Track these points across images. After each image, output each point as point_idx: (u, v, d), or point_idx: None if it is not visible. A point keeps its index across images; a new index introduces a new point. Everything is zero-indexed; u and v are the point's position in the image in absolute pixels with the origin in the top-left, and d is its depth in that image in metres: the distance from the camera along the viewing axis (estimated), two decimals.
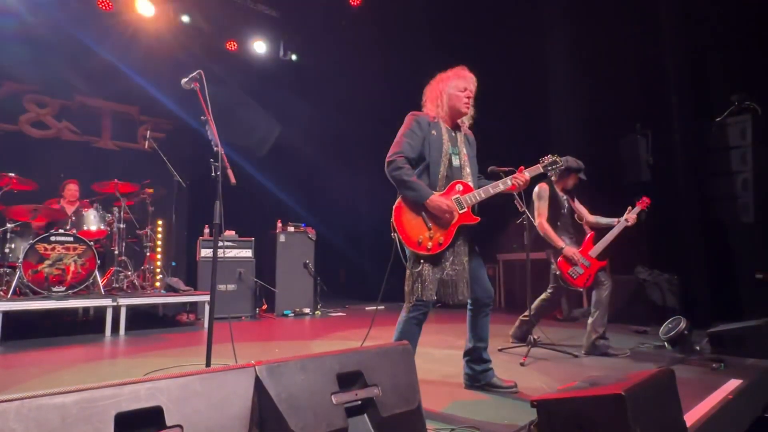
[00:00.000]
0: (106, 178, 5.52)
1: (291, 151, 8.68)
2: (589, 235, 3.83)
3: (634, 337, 4.39)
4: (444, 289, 2.44)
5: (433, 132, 2.49)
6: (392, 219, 2.39)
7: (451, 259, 2.44)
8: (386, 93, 8.03)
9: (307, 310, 6.34)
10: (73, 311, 5.64)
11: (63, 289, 4.48)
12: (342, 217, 8.99)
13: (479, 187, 2.52)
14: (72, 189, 5.48)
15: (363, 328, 5.05)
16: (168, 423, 1.14)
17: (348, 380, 1.49)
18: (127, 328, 4.64)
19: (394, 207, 2.41)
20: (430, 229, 2.38)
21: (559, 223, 3.79)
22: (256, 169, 7.97)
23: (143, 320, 5.41)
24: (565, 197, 3.88)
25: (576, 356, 3.52)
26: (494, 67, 6.62)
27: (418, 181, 2.41)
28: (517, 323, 4.02)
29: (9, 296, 4.32)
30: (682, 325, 3.62)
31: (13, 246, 4.79)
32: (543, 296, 3.95)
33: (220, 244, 5.71)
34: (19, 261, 4.39)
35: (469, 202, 2.45)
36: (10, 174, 4.81)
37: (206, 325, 4.97)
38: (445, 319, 5.97)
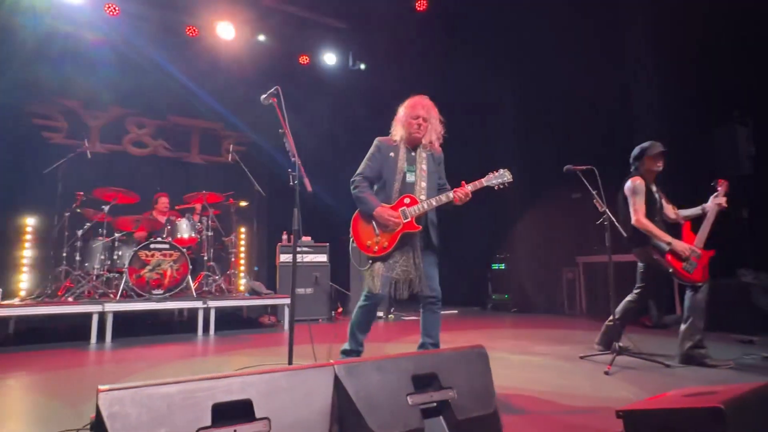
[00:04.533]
0: (195, 190, 6.01)
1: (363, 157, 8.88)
2: (685, 226, 3.56)
3: (738, 347, 3.98)
4: (395, 286, 2.79)
5: (391, 154, 2.93)
6: (350, 227, 2.88)
7: (401, 261, 2.79)
8: (454, 96, 7.97)
9: (380, 314, 6.44)
10: (170, 312, 6.19)
11: (161, 292, 4.93)
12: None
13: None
14: (163, 202, 6.04)
15: None
16: (257, 415, 1.24)
17: (423, 382, 1.51)
18: (215, 329, 5.01)
19: (352, 217, 2.90)
20: (377, 235, 2.81)
21: (656, 219, 3.53)
22: (330, 177, 8.24)
23: (229, 321, 5.80)
24: (657, 192, 3.62)
25: (668, 366, 3.25)
26: (570, 60, 6.37)
27: (370, 196, 2.86)
28: (603, 329, 3.78)
29: (118, 298, 4.84)
30: None
31: (120, 253, 5.37)
32: (629, 298, 3.69)
33: (298, 249, 5.99)
34: (125, 267, 4.90)
35: (413, 213, 2.80)
36: (116, 189, 5.40)
37: (286, 326, 5.24)
38: (521, 324, 5.80)
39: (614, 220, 3.52)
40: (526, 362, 3.50)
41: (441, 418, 1.50)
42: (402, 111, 3.00)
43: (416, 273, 2.78)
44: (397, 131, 2.98)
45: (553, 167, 4.35)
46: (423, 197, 2.83)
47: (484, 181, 2.88)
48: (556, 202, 6.68)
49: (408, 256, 2.79)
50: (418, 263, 2.79)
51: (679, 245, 3.37)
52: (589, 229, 5.86)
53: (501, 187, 2.91)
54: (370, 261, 2.81)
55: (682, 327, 3.39)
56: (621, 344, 3.42)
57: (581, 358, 3.55)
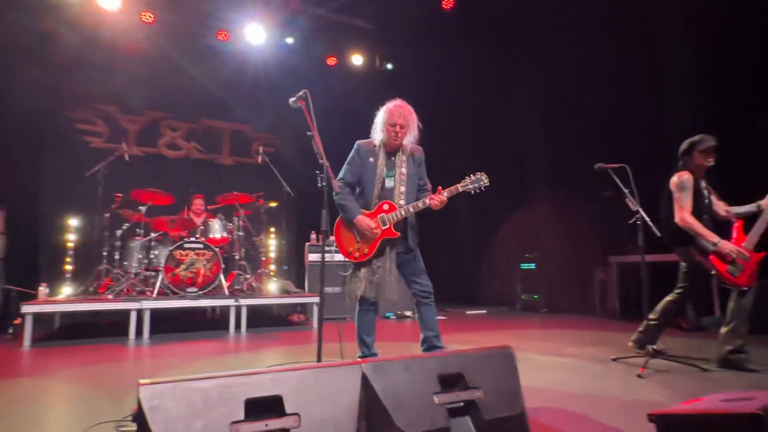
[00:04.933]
0: (226, 191, 6.17)
1: None
2: (736, 225, 3.37)
3: None
4: (376, 289, 2.95)
5: (371, 159, 3.00)
6: (333, 233, 3.00)
7: (378, 266, 2.93)
8: (482, 93, 7.91)
9: (408, 313, 6.46)
10: (203, 310, 6.38)
11: (195, 290, 5.09)
12: (439, 221, 9.01)
13: (417, 200, 2.96)
14: (198, 203, 6.22)
15: (463, 332, 5.01)
16: (287, 410, 1.28)
17: (449, 381, 1.52)
18: (247, 326, 5.13)
19: (335, 224, 3.02)
20: (358, 242, 2.95)
21: (704, 216, 3.36)
22: None
23: (260, 319, 5.93)
24: (706, 188, 3.47)
25: (705, 370, 3.15)
26: (601, 57, 6.22)
27: (351, 203, 2.95)
28: (642, 327, 3.65)
29: (154, 296, 5.02)
30: None
31: (156, 252, 5.56)
32: (669, 298, 3.55)
33: (326, 249, 6.06)
34: (161, 265, 5.09)
35: (392, 219, 2.91)
36: (153, 190, 5.60)
37: (315, 325, 5.32)
38: (551, 325, 5.71)
39: (647, 219, 3.42)
40: (555, 363, 3.45)
41: (467, 417, 1.51)
42: (381, 116, 3.04)
43: (391, 279, 2.93)
44: (377, 135, 3.04)
45: (583, 165, 4.27)
46: (402, 202, 2.94)
47: (460, 187, 2.95)
48: (587, 201, 6.54)
49: (385, 261, 2.94)
50: (392, 269, 2.95)
51: (726, 246, 3.19)
52: (621, 228, 5.71)
53: (477, 191, 2.95)
54: (353, 267, 2.99)
55: (723, 330, 3.26)
56: (655, 347, 3.32)
57: (613, 360, 3.48)
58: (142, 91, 7.40)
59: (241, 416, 1.22)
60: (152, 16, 6.84)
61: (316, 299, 5.47)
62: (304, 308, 6.22)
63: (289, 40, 7.72)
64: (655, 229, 3.38)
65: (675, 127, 5.42)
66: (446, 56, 7.74)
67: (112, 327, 5.19)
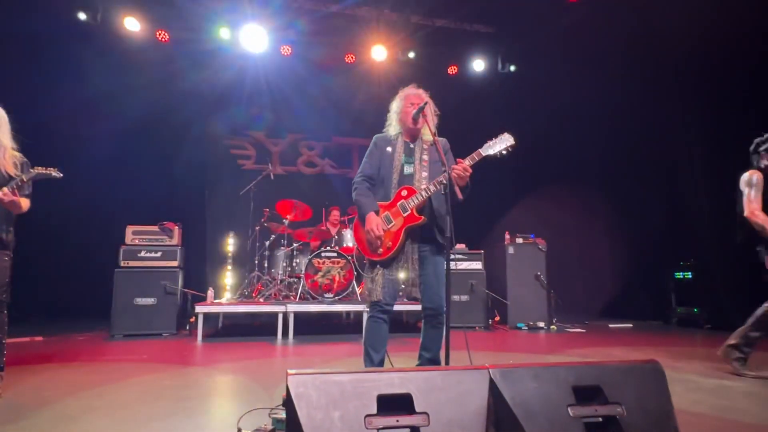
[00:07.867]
0: None
1: (515, 163, 8.60)
2: None
3: None
4: (400, 287, 2.66)
5: (388, 149, 2.78)
6: (353, 234, 2.81)
7: (402, 260, 2.59)
8: (611, 93, 7.24)
9: (541, 324, 6.12)
10: (338, 314, 6.83)
11: (331, 295, 5.48)
12: (575, 228, 8.40)
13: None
14: (335, 214, 6.72)
15: (605, 346, 4.59)
16: (417, 409, 1.32)
17: (585, 394, 1.43)
18: None
19: (353, 224, 2.81)
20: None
21: None
22: (483, 183, 8.18)
23: (391, 325, 6.12)
24: None
25: None
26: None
27: (366, 198, 2.70)
28: None
29: (297, 300, 5.53)
30: None
31: (298, 261, 6.14)
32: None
33: (452, 256, 6.05)
34: (302, 272, 5.59)
35: (412, 204, 2.60)
36: (294, 204, 6.21)
37: (443, 331, 5.34)
38: (717, 343, 4.92)
39: None
40: (722, 387, 2.98)
41: None
42: (396, 104, 2.85)
43: (414, 274, 2.60)
44: (393, 126, 2.84)
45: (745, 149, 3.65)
46: (423, 188, 2.61)
47: (482, 151, 2.60)
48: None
49: (408, 254, 2.61)
50: (416, 262, 2.61)
51: None
52: None
53: (503, 153, 2.60)
54: (377, 266, 2.63)
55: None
56: None
57: None
58: (283, 116, 8.32)
59: (374, 410, 1.30)
60: (289, 49, 7.63)
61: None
62: None
63: (411, 55, 7.96)
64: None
65: None
66: (575, 51, 7.25)
67: (263, 327, 5.84)
